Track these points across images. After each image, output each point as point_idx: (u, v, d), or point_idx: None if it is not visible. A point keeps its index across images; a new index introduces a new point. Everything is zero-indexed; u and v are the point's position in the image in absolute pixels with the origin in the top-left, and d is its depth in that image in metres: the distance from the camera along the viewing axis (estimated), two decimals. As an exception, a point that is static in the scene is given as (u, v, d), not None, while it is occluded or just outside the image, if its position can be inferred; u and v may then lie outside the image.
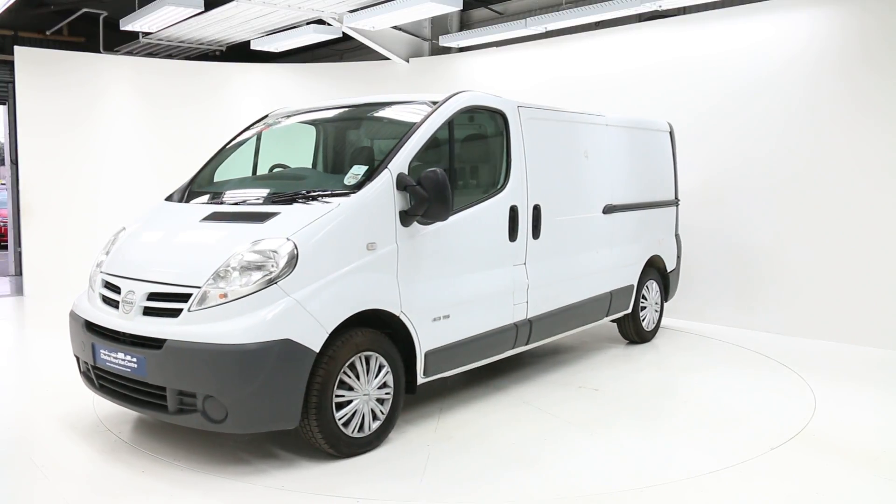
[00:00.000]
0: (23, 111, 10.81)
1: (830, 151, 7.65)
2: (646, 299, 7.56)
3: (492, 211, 5.46)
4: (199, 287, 4.26)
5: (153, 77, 11.50)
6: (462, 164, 5.67)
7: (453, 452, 4.67)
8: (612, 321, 7.37)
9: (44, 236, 10.79)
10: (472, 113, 5.55)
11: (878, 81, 7.31)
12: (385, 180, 4.68)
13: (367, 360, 4.57)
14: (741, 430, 5.06)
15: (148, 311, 4.41)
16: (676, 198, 8.07)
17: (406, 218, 4.75)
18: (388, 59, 11.56)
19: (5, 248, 14.46)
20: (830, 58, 7.63)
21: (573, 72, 9.80)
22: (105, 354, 4.56)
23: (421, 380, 5.00)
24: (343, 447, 4.48)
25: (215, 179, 5.73)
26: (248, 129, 6.23)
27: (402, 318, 4.77)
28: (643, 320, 7.53)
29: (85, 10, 11.79)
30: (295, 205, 4.67)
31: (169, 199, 5.57)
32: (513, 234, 5.60)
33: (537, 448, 4.72)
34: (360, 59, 12.53)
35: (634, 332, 7.49)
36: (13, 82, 11.45)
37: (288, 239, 4.30)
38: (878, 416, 5.44)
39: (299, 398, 4.21)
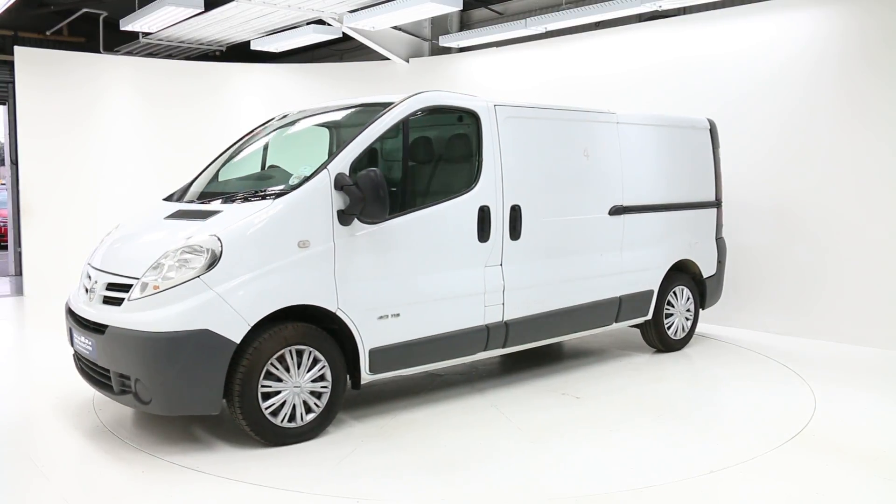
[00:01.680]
0: (23, 111, 10.80)
1: (830, 151, 7.65)
2: (672, 306, 7.15)
3: (456, 211, 5.41)
4: (138, 279, 4.61)
5: (153, 77, 11.49)
6: (421, 164, 5.68)
7: (382, 450, 4.68)
8: (634, 327, 7.11)
9: (44, 236, 10.79)
10: (437, 113, 5.55)
11: (879, 82, 7.31)
12: (322, 180, 4.81)
13: (300, 353, 4.71)
14: (741, 430, 5.06)
15: (106, 300, 4.78)
16: (718, 199, 7.59)
17: (344, 217, 4.83)
18: (388, 59, 11.56)
19: (5, 248, 14.46)
20: (831, 58, 7.62)
21: (573, 72, 9.80)
22: (76, 338, 4.98)
23: (367, 377, 5.06)
24: (270, 435, 4.64)
25: (215, 180, 5.83)
26: (252, 131, 6.33)
27: (340, 314, 4.86)
28: (669, 328, 7.14)
29: (85, 10, 11.79)
30: (238, 204, 4.91)
31: (168, 198, 5.74)
32: (483, 234, 5.53)
33: (468, 452, 4.65)
34: (360, 60, 12.54)
35: (658, 339, 7.11)
36: (13, 82, 11.45)
37: (215, 236, 4.55)
38: (878, 416, 5.43)
39: (219, 386, 4.45)
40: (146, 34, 11.32)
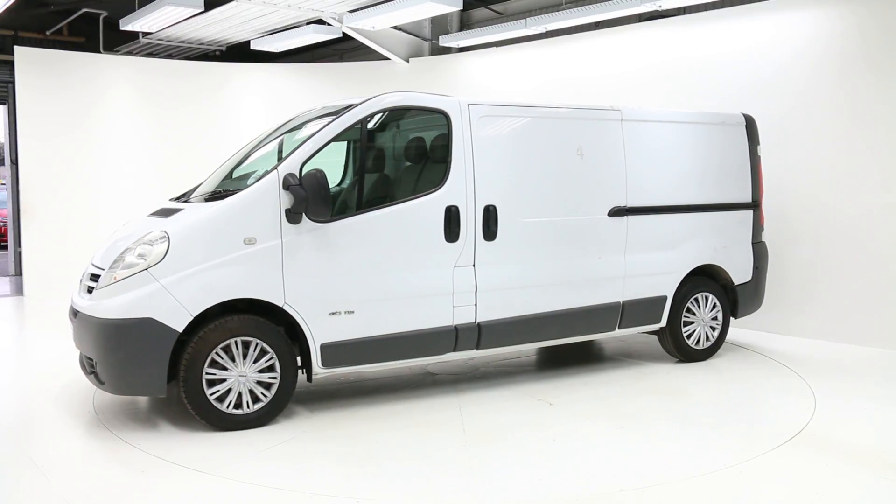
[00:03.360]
0: (23, 111, 10.80)
1: (830, 151, 7.64)
2: (693, 314, 6.74)
3: (420, 211, 5.43)
4: (104, 270, 5.01)
5: (153, 77, 11.49)
6: (384, 164, 5.77)
7: (316, 440, 4.82)
8: (650, 334, 6.81)
9: (44, 236, 10.78)
10: (404, 113, 5.63)
11: (878, 82, 7.30)
12: (271, 180, 5.03)
13: (246, 344, 4.94)
14: (740, 430, 5.06)
15: (88, 290, 5.13)
16: (755, 200, 7.06)
17: (291, 215, 4.99)
18: (388, 59, 11.56)
19: (5, 248, 14.45)
20: (831, 58, 7.62)
21: (573, 72, 9.79)
22: (71, 324, 5.32)
23: (320, 370, 5.19)
24: (215, 420, 4.91)
25: (227, 179, 5.89)
26: (266, 131, 6.37)
27: (288, 309, 5.03)
28: (689, 336, 6.72)
29: (85, 10, 11.80)
30: (197, 202, 5.26)
31: (176, 198, 5.82)
32: (450, 235, 5.50)
33: (400, 450, 4.65)
34: (360, 59, 12.53)
35: (675, 348, 6.69)
36: (13, 82, 11.45)
37: (164, 231, 4.90)
38: (878, 416, 5.43)
39: (163, 370, 4.77)
40: (146, 34, 11.32)
